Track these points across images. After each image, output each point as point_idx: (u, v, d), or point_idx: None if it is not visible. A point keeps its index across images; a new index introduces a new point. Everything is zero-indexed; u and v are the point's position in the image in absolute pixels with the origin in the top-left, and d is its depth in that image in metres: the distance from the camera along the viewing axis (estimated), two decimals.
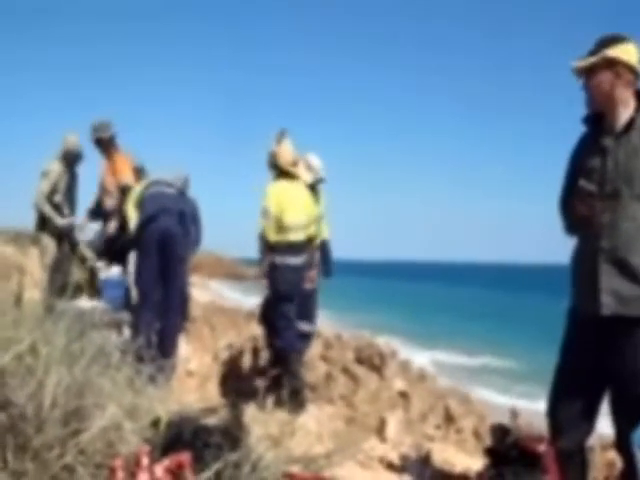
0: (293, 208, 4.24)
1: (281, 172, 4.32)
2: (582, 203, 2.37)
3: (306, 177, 4.48)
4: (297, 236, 4.26)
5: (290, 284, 4.27)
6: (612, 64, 2.36)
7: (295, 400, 3.97)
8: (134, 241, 4.36)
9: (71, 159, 5.63)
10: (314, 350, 6.85)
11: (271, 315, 4.35)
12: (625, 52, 2.36)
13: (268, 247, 4.19)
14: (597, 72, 2.38)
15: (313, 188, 4.69)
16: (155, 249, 4.21)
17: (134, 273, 4.42)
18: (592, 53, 2.40)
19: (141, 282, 4.34)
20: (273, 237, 4.19)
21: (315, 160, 4.70)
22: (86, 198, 5.89)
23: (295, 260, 4.25)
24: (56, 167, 5.54)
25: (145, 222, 4.28)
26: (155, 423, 1.92)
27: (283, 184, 4.31)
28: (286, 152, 4.29)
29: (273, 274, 4.24)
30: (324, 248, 5.04)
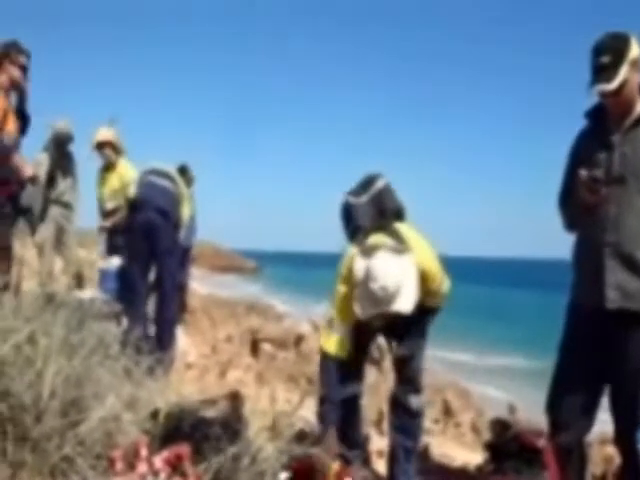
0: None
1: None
2: (587, 190, 2.31)
3: None
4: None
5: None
6: (635, 64, 2.27)
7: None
8: (125, 226, 4.38)
9: (62, 142, 5.58)
10: (313, 342, 6.86)
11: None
12: (637, 47, 2.28)
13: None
14: (628, 79, 2.26)
15: None
16: (140, 239, 4.22)
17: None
18: (611, 61, 2.24)
19: (128, 272, 4.37)
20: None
21: None
22: None
23: None
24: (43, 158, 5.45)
25: (131, 209, 4.31)
26: (154, 415, 1.92)
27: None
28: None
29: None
30: None
